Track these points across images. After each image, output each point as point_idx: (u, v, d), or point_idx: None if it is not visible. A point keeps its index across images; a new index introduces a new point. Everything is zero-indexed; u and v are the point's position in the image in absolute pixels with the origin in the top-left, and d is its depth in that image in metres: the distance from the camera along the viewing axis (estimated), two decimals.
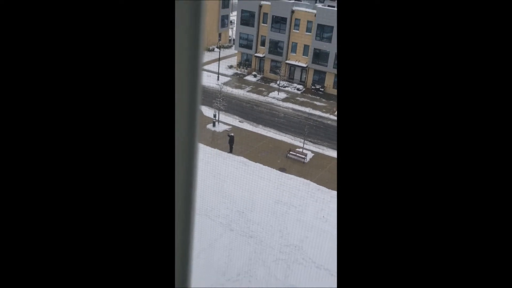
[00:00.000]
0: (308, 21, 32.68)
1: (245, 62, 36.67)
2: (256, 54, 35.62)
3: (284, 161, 22.11)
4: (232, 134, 22.91)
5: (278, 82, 33.39)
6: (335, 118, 28.44)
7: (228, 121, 26.11)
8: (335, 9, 34.04)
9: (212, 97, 25.77)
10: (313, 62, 33.09)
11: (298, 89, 33.18)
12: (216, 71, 34.50)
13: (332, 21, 31.32)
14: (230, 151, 22.19)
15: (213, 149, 21.97)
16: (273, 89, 32.63)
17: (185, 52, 0.66)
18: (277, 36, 34.24)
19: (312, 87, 33.50)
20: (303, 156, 22.45)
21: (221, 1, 41.00)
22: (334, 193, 19.13)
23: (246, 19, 35.32)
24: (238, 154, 21.85)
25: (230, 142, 22.23)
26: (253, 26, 35.08)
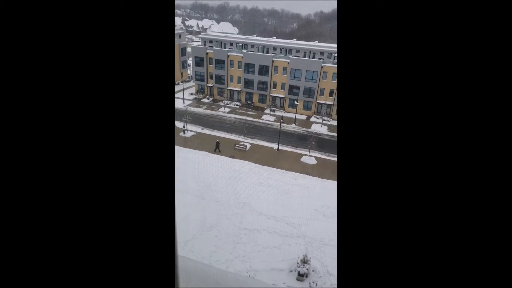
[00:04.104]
0: (238, 62, 32.74)
1: (200, 90, 35.96)
2: (207, 85, 35.10)
3: (233, 151, 22.07)
4: (218, 140, 22.37)
5: (223, 101, 33.41)
6: (262, 121, 28.99)
7: (193, 129, 25.45)
8: (256, 53, 34.47)
9: (181, 114, 25.17)
10: (244, 87, 33.24)
11: (237, 105, 33.22)
12: (181, 97, 33.56)
13: (254, 60, 31.75)
14: (217, 151, 21.42)
15: (185, 148, 21.53)
16: (221, 106, 32.40)
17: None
18: (219, 72, 33.98)
19: (246, 102, 33.67)
20: (244, 147, 22.57)
21: (180, 51, 39.87)
22: (267, 167, 19.63)
23: (198, 62, 34.71)
24: (202, 150, 21.48)
25: (217, 145, 21.81)
26: (203, 66, 34.52)
